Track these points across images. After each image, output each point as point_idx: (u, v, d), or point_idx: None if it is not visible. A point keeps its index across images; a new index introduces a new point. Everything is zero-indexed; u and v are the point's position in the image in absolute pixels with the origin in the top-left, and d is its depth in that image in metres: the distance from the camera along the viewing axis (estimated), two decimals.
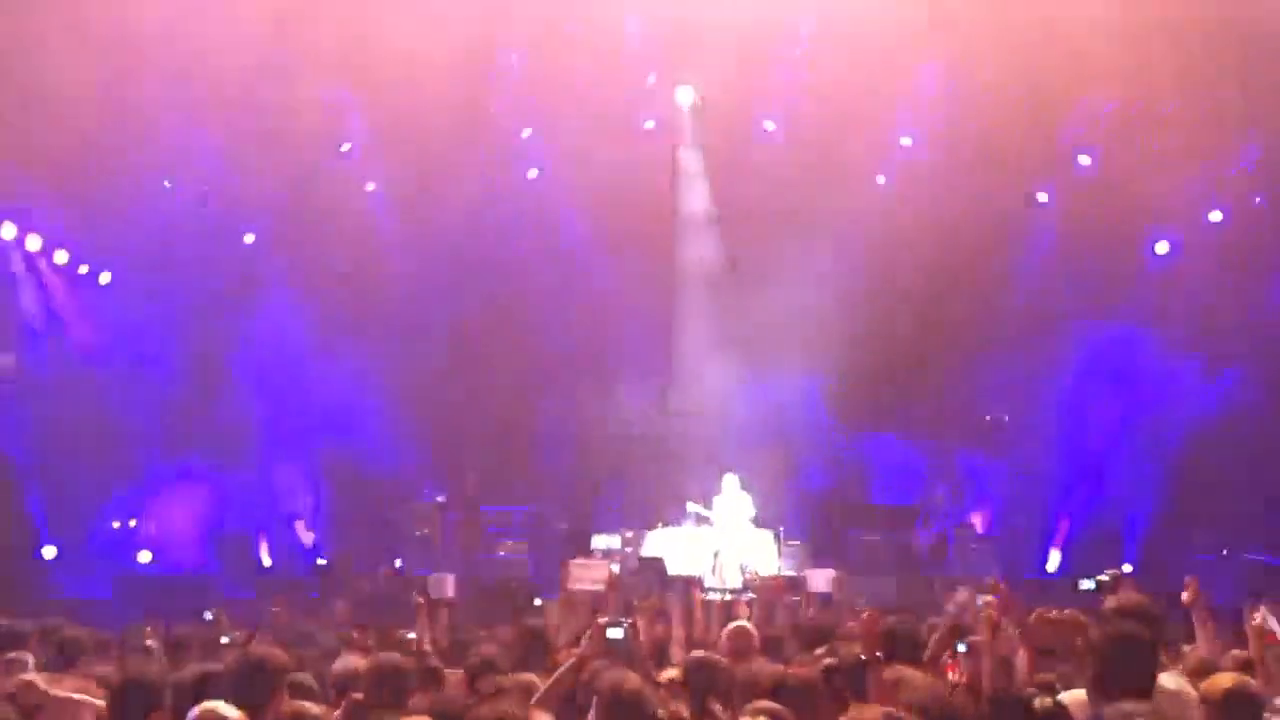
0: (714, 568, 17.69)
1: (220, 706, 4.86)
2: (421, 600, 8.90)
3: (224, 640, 8.26)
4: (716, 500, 18.29)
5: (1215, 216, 19.00)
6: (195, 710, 4.89)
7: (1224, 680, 5.34)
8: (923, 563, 18.75)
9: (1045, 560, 19.39)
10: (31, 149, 16.53)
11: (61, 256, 18.38)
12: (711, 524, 18.24)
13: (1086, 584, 14.81)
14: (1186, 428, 18.76)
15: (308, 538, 19.96)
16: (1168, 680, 5.79)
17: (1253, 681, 5.57)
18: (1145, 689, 5.25)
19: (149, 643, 8.95)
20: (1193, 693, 5.64)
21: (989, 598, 6.90)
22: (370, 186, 20.22)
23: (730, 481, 18.34)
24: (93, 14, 15.48)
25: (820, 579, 16.28)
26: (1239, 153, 18.25)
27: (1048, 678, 6.16)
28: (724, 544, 17.94)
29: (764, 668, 6.63)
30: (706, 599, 15.95)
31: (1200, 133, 17.99)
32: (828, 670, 6.64)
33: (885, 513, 20.09)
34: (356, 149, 19.57)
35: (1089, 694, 5.38)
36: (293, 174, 19.61)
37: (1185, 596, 7.19)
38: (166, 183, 18.98)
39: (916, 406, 20.80)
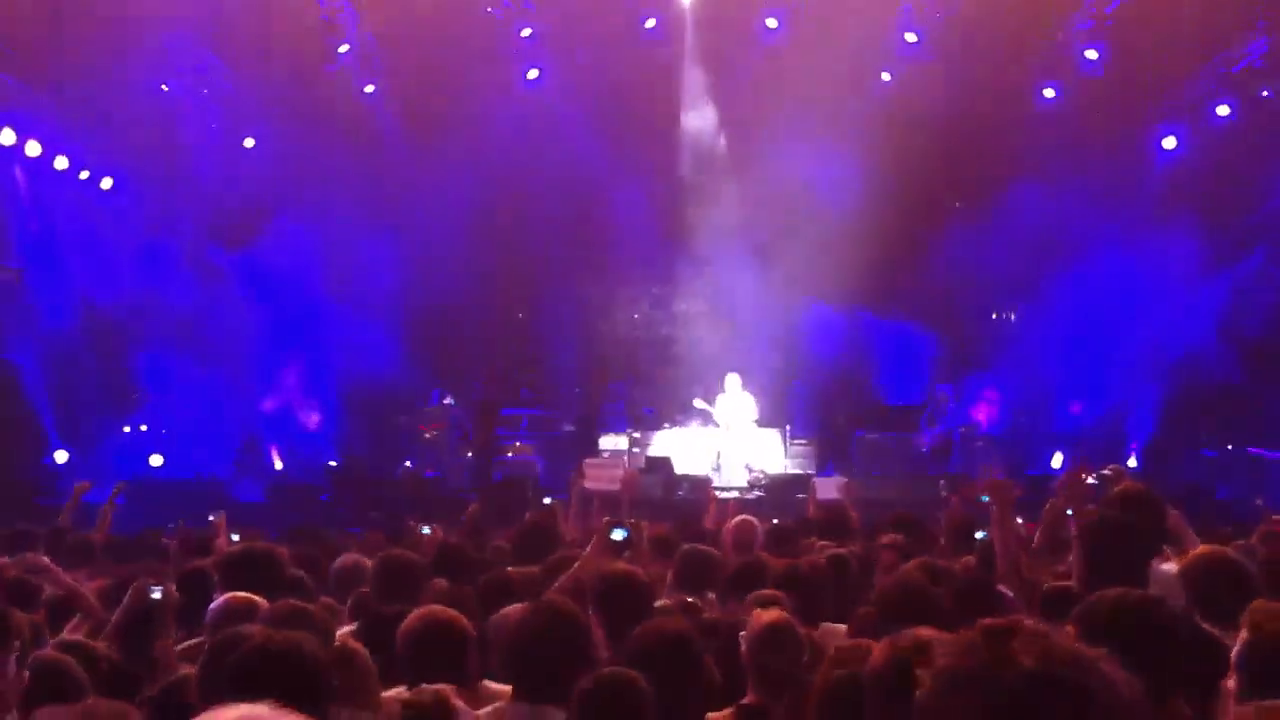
0: (717, 466, 17.85)
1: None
2: None
3: (235, 538, 8.34)
4: (719, 399, 18.40)
5: (1223, 110, 18.79)
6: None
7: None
8: (927, 462, 18.88)
9: (1050, 458, 19.48)
10: (28, 54, 16.42)
11: (61, 162, 18.26)
12: (716, 423, 18.36)
13: (1090, 479, 15.01)
14: (1193, 325, 18.73)
15: (313, 421, 20.01)
16: (1166, 567, 5.85)
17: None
18: (1135, 576, 5.27)
19: (165, 541, 9.07)
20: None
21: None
22: (369, 89, 20.03)
23: (733, 381, 18.43)
24: None
25: (829, 486, 16.40)
26: (1246, 46, 17.99)
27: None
28: (727, 443, 18.07)
29: (767, 560, 6.72)
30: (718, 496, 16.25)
31: (1206, 26, 17.79)
32: (834, 561, 6.74)
33: (891, 412, 20.19)
34: (354, 51, 19.35)
35: (1079, 581, 5.40)
36: (290, 78, 19.47)
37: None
38: (164, 86, 18.81)
39: (924, 303, 20.80)
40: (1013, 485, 6.49)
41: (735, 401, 18.34)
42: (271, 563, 5.88)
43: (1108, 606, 3.64)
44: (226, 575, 5.75)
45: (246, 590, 5.25)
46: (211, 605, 5.19)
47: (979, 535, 7.57)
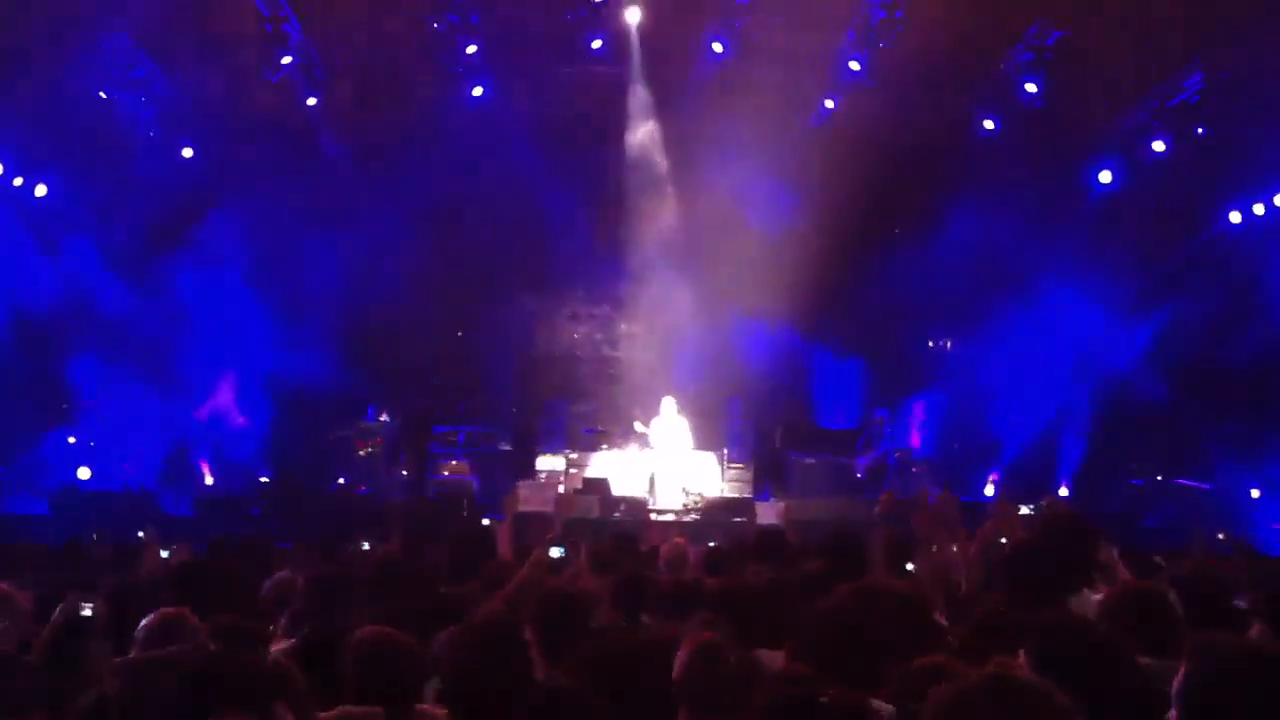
0: (651, 489, 17.84)
1: None
2: None
3: (164, 554, 8.21)
4: (654, 422, 18.40)
5: (1158, 146, 19.12)
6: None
7: None
8: (863, 485, 18.99)
9: (983, 485, 19.68)
10: None
11: None
12: (651, 446, 18.36)
13: (1025, 509, 15.18)
14: (1124, 356, 19.04)
15: (245, 435, 19.76)
16: (1096, 597, 5.91)
17: None
18: (1057, 601, 5.30)
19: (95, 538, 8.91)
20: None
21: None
22: (311, 101, 19.89)
23: (669, 404, 18.44)
24: None
25: (769, 511, 16.51)
26: (1182, 82, 18.33)
27: None
28: (662, 466, 18.07)
29: (705, 580, 6.72)
30: (655, 520, 16.27)
31: (1143, 62, 18.12)
32: (771, 584, 6.74)
33: (827, 435, 20.31)
34: (296, 62, 19.21)
35: (1000, 604, 5.43)
36: (231, 87, 19.30)
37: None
38: (102, 93, 18.56)
39: (861, 328, 20.95)
40: (954, 501, 6.56)
41: (670, 424, 18.35)
42: (218, 578, 5.78)
43: (1060, 636, 3.67)
44: (171, 589, 5.65)
45: (189, 605, 5.16)
46: (144, 621, 5.09)
47: (909, 567, 7.62)
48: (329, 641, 4.79)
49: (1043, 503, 6.33)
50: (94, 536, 9.86)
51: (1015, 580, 5.33)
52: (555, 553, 6.37)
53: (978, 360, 20.03)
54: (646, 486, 17.94)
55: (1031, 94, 19.19)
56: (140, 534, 8.91)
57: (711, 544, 9.62)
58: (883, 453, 18.96)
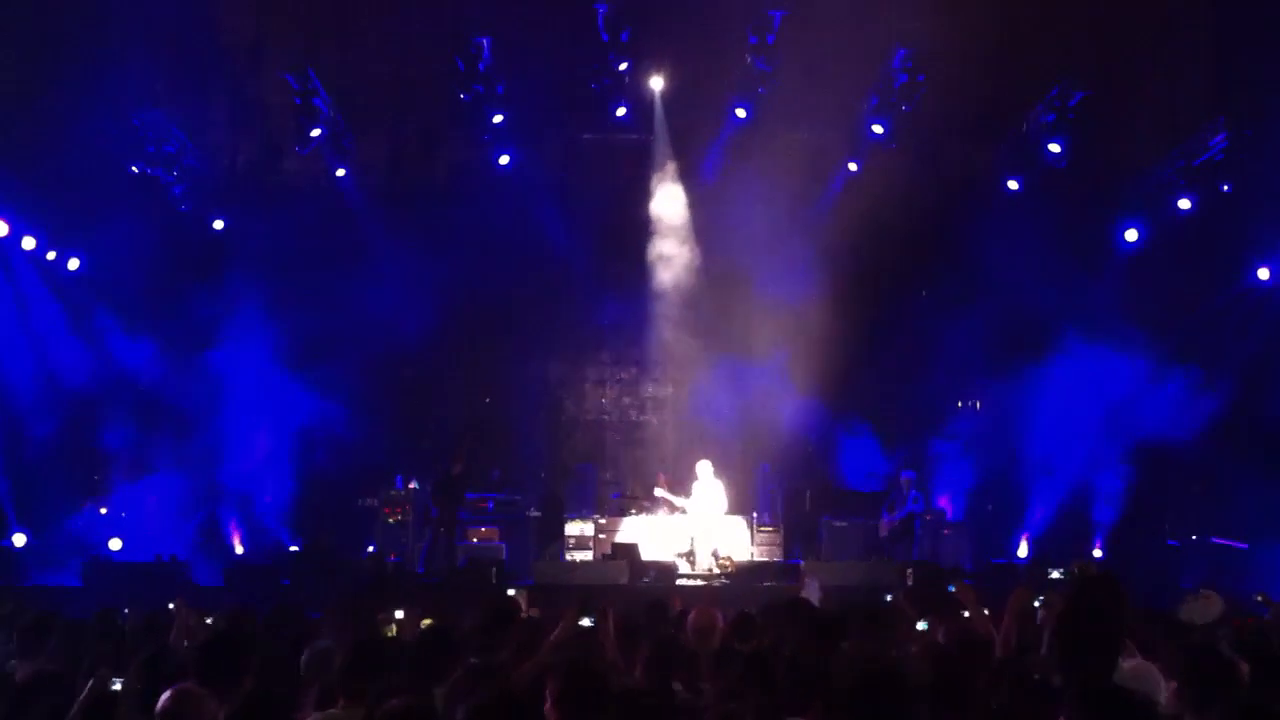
0: (690, 554, 17.76)
1: None
2: None
3: (207, 621, 8.22)
4: (694, 486, 18.34)
5: (1184, 204, 19.10)
6: None
7: None
8: (885, 547, 18.79)
9: (1015, 547, 19.51)
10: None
11: (29, 242, 18.23)
12: (684, 511, 18.30)
13: (1056, 573, 15.04)
14: (1155, 415, 18.87)
15: (274, 504, 19.81)
16: (1131, 664, 5.88)
17: None
18: (1108, 662, 5.28)
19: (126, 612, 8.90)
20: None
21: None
22: (340, 172, 20.14)
23: (705, 468, 18.40)
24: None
25: (812, 589, 16.40)
26: (1207, 140, 18.33)
27: None
28: (699, 531, 17.99)
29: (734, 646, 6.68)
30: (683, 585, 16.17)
31: (1167, 120, 18.16)
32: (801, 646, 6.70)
33: (857, 499, 20.17)
34: (325, 134, 19.47)
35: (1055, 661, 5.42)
36: (261, 160, 19.57)
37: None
38: (134, 168, 18.82)
39: (887, 393, 20.86)
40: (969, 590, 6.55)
41: (708, 487, 18.29)
42: (248, 648, 5.78)
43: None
44: (200, 661, 5.64)
45: (219, 676, 5.16)
46: (162, 699, 5.05)
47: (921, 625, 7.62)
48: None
49: (1073, 567, 6.26)
50: (125, 610, 9.84)
51: (1064, 647, 5.32)
52: (585, 621, 6.33)
53: (1008, 420, 19.91)
54: (685, 549, 17.87)
55: (1055, 154, 19.22)
56: (170, 605, 8.89)
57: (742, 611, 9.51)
58: (906, 514, 18.81)
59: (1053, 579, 14.37)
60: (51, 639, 7.82)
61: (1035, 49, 17.89)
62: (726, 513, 18.57)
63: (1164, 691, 5.78)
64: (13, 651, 7.54)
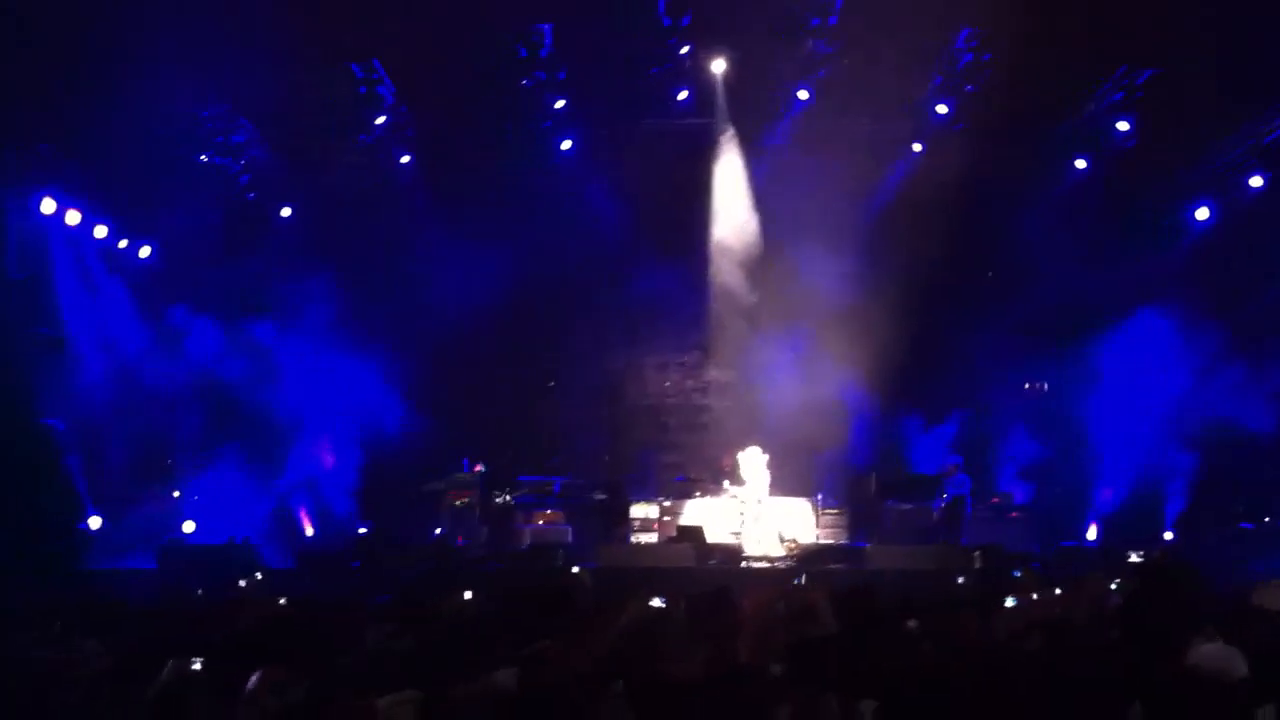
0: (742, 534, 17.77)
1: None
2: None
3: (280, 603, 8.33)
4: (742, 473, 18.33)
5: (1256, 182, 18.76)
6: None
7: None
8: (940, 531, 18.64)
9: (1084, 530, 19.31)
10: (70, 124, 16.70)
11: (100, 231, 18.53)
12: (740, 494, 18.30)
13: (1135, 556, 14.85)
14: (1226, 395, 18.58)
15: (343, 489, 20.06)
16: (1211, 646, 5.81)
17: None
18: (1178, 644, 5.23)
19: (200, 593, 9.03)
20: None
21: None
22: (405, 159, 20.29)
23: (753, 452, 18.37)
24: None
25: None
26: (1276, 118, 18.00)
27: None
28: (753, 512, 17.99)
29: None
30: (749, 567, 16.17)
31: (1236, 98, 17.81)
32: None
33: (921, 482, 20.02)
34: (389, 122, 19.62)
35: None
36: (326, 148, 19.74)
37: None
38: (202, 158, 19.06)
39: (953, 376, 20.69)
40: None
41: (756, 471, 18.28)
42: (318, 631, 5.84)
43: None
44: (272, 643, 5.71)
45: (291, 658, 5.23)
46: (251, 680, 5.15)
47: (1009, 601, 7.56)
48: (443, 696, 4.81)
49: (1155, 553, 6.21)
50: (199, 592, 10.03)
51: (1129, 629, 5.26)
52: (656, 602, 6.33)
53: (1075, 402, 19.70)
54: (735, 530, 17.89)
55: (1123, 133, 18.98)
56: (257, 575, 9.02)
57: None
58: (953, 497, 18.66)
59: (1132, 562, 14.19)
60: (122, 625, 7.97)
61: (1102, 27, 17.59)
62: (789, 494, 18.57)
63: (1244, 675, 5.70)
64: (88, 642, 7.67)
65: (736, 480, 18.29)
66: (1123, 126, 18.94)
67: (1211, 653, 5.88)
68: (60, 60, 15.51)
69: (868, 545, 17.28)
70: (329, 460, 19.98)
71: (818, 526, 18.78)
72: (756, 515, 18.03)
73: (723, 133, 20.72)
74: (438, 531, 19.05)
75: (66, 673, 6.10)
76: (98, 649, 6.45)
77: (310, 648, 5.79)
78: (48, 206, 17.46)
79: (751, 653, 6.49)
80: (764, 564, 16.78)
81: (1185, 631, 5.56)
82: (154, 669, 5.55)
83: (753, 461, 18.28)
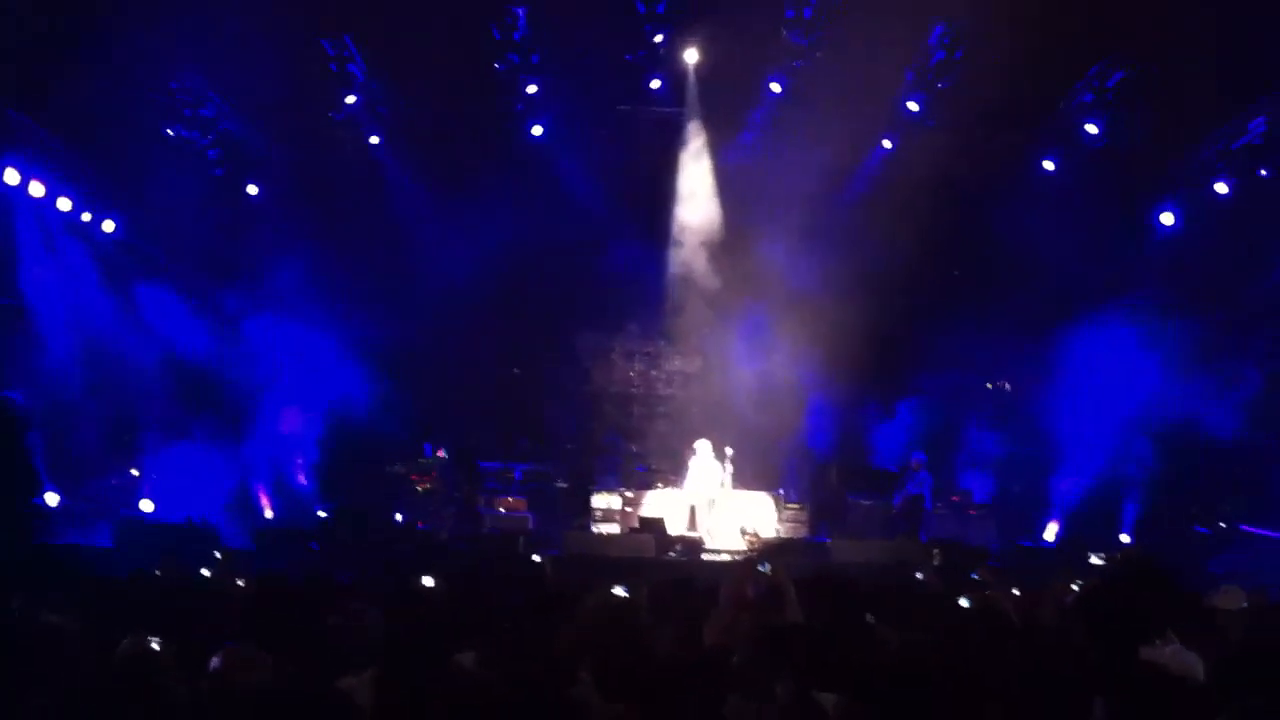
0: (691, 524, 17.86)
1: None
2: None
3: (238, 583, 8.28)
4: (691, 462, 18.40)
5: (1221, 188, 18.91)
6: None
7: None
8: (899, 525, 18.75)
9: (1042, 529, 19.45)
10: (39, 91, 16.48)
11: (64, 203, 18.29)
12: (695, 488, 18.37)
13: (1096, 559, 14.93)
14: (1187, 401, 18.73)
15: (304, 469, 19.96)
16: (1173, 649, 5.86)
17: None
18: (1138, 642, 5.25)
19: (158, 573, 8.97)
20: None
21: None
22: (375, 140, 20.16)
23: (703, 445, 18.43)
24: None
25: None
26: (1246, 124, 18.13)
27: None
28: (704, 506, 18.09)
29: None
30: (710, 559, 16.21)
31: (1206, 103, 17.93)
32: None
33: (883, 477, 20.13)
34: (360, 101, 19.48)
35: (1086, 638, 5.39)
36: (296, 125, 19.58)
37: None
38: (169, 131, 18.85)
39: (916, 373, 20.78)
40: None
41: (706, 465, 18.35)
42: (286, 610, 5.81)
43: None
44: (240, 622, 5.68)
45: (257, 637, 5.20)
46: (214, 658, 5.11)
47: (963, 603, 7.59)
48: (407, 677, 4.79)
49: (1117, 555, 6.23)
50: (157, 572, 9.91)
51: (1092, 625, 5.27)
52: (619, 591, 6.33)
53: (1037, 403, 19.82)
54: (685, 522, 17.97)
55: (1093, 134, 19.09)
56: (217, 554, 8.94)
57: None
58: (914, 493, 18.78)
59: (1093, 564, 14.29)
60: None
61: (1075, 28, 17.66)
62: (750, 489, 18.63)
63: (1201, 678, 5.75)
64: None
65: (689, 474, 18.36)
66: (1092, 129, 19.03)
67: (1170, 655, 5.93)
68: (27, 27, 15.29)
69: (829, 540, 17.34)
70: (291, 443, 19.84)
71: (779, 521, 18.82)
72: (709, 509, 18.09)
73: (692, 122, 20.70)
74: (398, 516, 18.96)
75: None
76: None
77: (274, 626, 5.74)
78: (11, 178, 17.18)
79: (717, 637, 6.50)
80: (724, 557, 16.80)
81: (1146, 631, 5.59)
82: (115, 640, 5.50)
83: (707, 455, 18.35)
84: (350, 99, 19.24)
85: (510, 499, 19.44)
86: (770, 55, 19.22)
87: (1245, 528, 18.21)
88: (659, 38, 19.14)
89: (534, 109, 20.10)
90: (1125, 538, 18.52)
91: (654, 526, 17.15)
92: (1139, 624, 5.49)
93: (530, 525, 18.48)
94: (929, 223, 19.17)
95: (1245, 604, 8.14)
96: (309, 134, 19.68)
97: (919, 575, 12.96)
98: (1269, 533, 17.75)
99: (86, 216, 18.81)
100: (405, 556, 14.38)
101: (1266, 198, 18.67)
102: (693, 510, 18.23)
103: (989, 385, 21.53)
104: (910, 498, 18.80)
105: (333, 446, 19.89)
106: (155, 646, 5.29)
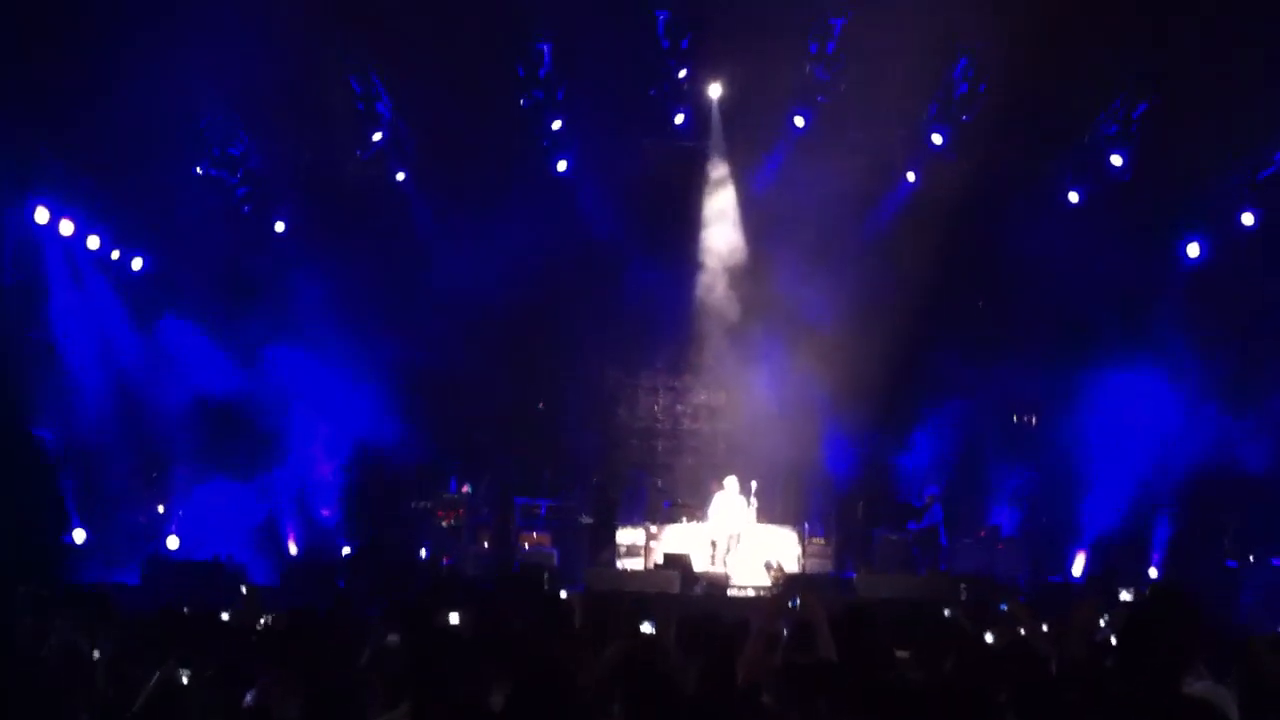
0: (727, 563, 17.80)
1: None
2: None
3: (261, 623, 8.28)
4: (716, 497, 18.36)
5: (1247, 219, 18.82)
6: None
7: None
8: (921, 560, 18.66)
9: (1070, 564, 19.29)
10: (71, 131, 16.64)
11: (93, 242, 18.43)
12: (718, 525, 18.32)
13: (1126, 594, 14.82)
14: (1215, 433, 18.59)
15: (329, 506, 20.00)
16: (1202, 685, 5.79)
17: None
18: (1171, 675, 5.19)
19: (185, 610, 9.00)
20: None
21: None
22: (400, 176, 20.28)
23: (731, 482, 18.41)
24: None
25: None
26: (1272, 154, 18.07)
27: None
28: (724, 544, 18.05)
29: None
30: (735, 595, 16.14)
31: (1232, 134, 17.88)
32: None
33: (909, 511, 20.01)
34: (387, 138, 19.62)
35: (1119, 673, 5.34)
36: (323, 162, 19.72)
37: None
38: (198, 169, 18.99)
39: (942, 406, 20.66)
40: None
41: (732, 501, 18.32)
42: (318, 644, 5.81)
43: None
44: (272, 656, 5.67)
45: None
46: (250, 692, 5.11)
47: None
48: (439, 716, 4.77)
49: (1145, 591, 6.18)
50: (184, 609, 9.95)
51: (1130, 657, 5.21)
52: (646, 628, 6.30)
53: (1064, 436, 19.70)
54: (710, 557, 17.93)
55: (1118, 166, 19.04)
56: (243, 589, 8.97)
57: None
58: (929, 525, 18.71)
59: (1123, 600, 14.18)
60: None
61: (1099, 61, 17.68)
62: (776, 524, 18.59)
63: (1234, 715, 5.68)
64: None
65: (714, 508, 18.32)
66: (1117, 160, 18.99)
67: (1203, 691, 5.86)
68: (59, 66, 15.47)
69: (855, 575, 17.24)
70: (317, 479, 19.87)
71: (803, 556, 18.73)
72: (733, 547, 18.05)
73: (716, 155, 20.75)
74: (424, 551, 18.95)
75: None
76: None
77: (305, 662, 5.74)
78: (41, 216, 17.33)
79: (748, 673, 6.45)
80: (750, 593, 16.73)
81: (1180, 665, 5.53)
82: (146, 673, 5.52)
83: (733, 490, 18.32)
84: (376, 136, 19.37)
85: (535, 535, 19.40)
86: (794, 89, 19.28)
87: (1276, 561, 18.03)
88: (683, 73, 19.23)
89: (559, 144, 20.19)
90: (1154, 571, 18.35)
91: (679, 562, 17.09)
92: (1176, 659, 5.43)
93: (555, 561, 18.43)
94: (953, 254, 19.18)
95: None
96: (336, 171, 19.80)
97: (946, 612, 12.89)
98: None
99: (115, 254, 18.95)
100: (430, 592, 14.35)
101: None
102: (714, 545, 18.18)
103: (1015, 419, 21.41)
104: (924, 531, 18.75)
105: (358, 480, 19.91)
106: (185, 680, 5.30)
